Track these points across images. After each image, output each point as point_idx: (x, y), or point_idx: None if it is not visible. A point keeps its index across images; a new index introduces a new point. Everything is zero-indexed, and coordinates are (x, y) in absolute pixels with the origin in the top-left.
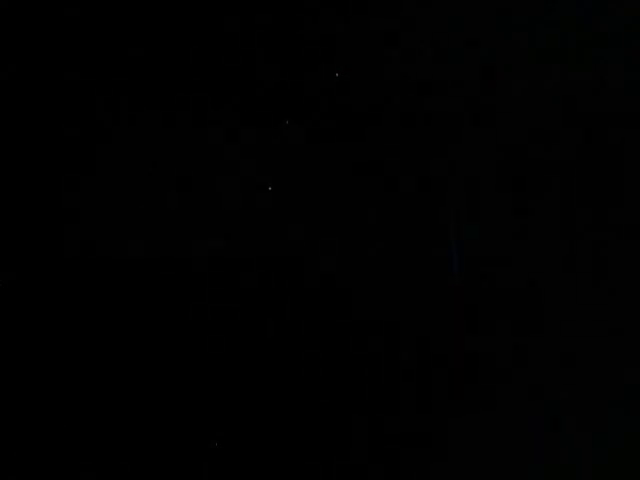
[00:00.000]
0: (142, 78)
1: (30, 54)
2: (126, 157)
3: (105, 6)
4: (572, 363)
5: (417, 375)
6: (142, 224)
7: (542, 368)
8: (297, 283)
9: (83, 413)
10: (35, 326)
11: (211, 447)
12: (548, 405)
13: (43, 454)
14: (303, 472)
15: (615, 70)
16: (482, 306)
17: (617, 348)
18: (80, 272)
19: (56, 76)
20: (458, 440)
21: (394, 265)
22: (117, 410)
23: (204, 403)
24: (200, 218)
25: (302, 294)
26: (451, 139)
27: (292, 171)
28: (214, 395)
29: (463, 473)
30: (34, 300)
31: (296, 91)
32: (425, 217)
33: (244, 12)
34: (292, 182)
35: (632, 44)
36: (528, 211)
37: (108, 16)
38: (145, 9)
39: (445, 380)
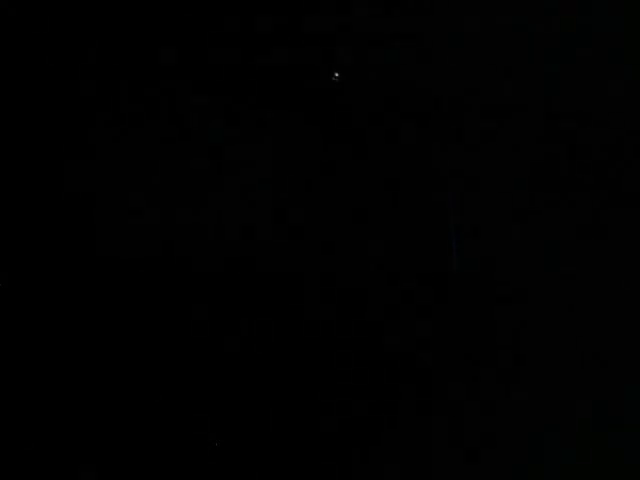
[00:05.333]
0: (145, 78)
1: (30, 54)
2: (127, 157)
3: (105, 6)
4: (571, 361)
5: (416, 374)
6: (142, 224)
7: (542, 366)
8: (297, 284)
9: (84, 413)
10: (35, 326)
11: (212, 447)
12: (547, 403)
13: (43, 454)
14: (303, 472)
15: (615, 71)
16: (482, 305)
17: (617, 347)
18: (81, 272)
19: (56, 75)
20: (457, 438)
21: (394, 265)
22: (117, 410)
23: (205, 403)
24: (200, 218)
25: (302, 294)
26: (452, 139)
27: (292, 171)
28: (214, 395)
29: (462, 471)
30: (34, 300)
31: (295, 91)
32: (425, 217)
33: (244, 12)
34: (291, 182)
35: (632, 45)
36: (528, 211)
37: (108, 16)
38: (144, 10)
39: (445, 378)
